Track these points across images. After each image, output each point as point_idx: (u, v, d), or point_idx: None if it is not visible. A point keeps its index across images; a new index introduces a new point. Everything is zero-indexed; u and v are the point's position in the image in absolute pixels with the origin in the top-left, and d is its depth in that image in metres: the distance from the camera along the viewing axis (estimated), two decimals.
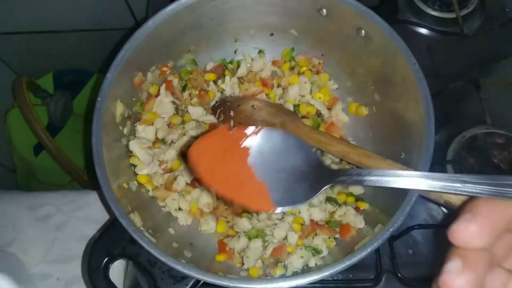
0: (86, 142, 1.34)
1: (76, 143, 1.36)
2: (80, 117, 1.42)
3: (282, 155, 0.48)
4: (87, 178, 1.29)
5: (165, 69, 0.75)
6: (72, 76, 1.46)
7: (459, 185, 0.34)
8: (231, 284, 0.55)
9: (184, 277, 0.58)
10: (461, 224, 0.27)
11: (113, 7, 1.28)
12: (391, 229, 0.56)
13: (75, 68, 1.46)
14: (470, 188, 0.33)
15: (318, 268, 0.62)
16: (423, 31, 0.94)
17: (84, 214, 0.87)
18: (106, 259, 0.58)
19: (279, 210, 0.46)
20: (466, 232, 0.26)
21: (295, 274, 0.65)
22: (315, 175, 0.47)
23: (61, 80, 1.42)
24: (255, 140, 0.47)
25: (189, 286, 0.59)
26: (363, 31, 0.68)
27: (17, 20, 1.30)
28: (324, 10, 0.70)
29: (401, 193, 0.60)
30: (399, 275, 0.71)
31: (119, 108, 0.67)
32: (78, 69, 1.46)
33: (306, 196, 0.47)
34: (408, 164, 0.60)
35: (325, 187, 0.46)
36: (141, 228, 0.59)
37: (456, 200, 0.52)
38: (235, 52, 0.81)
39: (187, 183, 0.73)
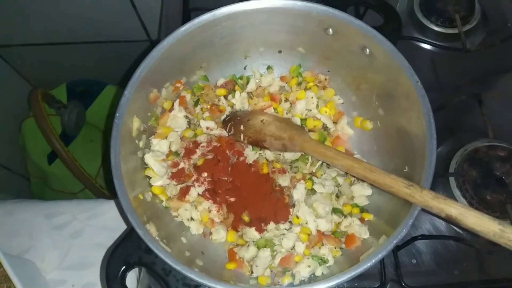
0: (104, 151, 1.37)
1: (89, 151, 1.39)
2: (93, 127, 1.46)
3: None
4: (100, 186, 1.33)
5: (178, 85, 0.79)
6: (85, 86, 1.50)
7: None
8: None
9: (197, 286, 0.61)
10: None
11: (125, 19, 1.32)
12: (394, 241, 0.58)
13: (88, 78, 1.50)
14: None
15: (325, 278, 0.65)
16: (427, 46, 0.97)
17: (99, 223, 0.90)
18: (124, 267, 0.61)
19: None
20: None
21: (302, 283, 0.67)
22: None
23: (74, 91, 1.46)
24: None
25: None
26: (367, 50, 0.71)
27: (32, 32, 1.34)
28: (331, 30, 0.73)
29: (405, 205, 0.62)
30: (403, 284, 0.74)
31: (136, 123, 0.70)
32: (91, 79, 1.50)
33: None
34: (411, 178, 0.63)
35: None
36: (157, 238, 0.62)
37: (457, 215, 0.54)
38: (244, 68, 0.85)
39: (198, 194, 0.76)
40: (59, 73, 1.49)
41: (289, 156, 0.79)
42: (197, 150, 0.77)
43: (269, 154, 0.80)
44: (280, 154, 0.80)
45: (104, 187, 1.34)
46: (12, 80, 1.47)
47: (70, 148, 1.34)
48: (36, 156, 1.38)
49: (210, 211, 0.76)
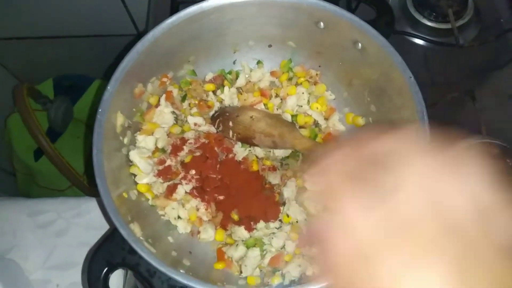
0: (87, 147, 1.35)
1: (76, 148, 1.36)
2: (80, 123, 1.43)
3: None
4: (87, 184, 1.30)
5: (165, 79, 0.76)
6: (72, 81, 1.47)
7: None
8: None
9: (183, 287, 0.59)
10: None
11: (113, 13, 1.29)
12: None
13: (75, 73, 1.47)
14: None
15: (316, 277, 0.63)
16: (420, 41, 0.95)
17: (84, 221, 0.88)
18: (106, 269, 0.59)
19: None
20: None
21: (292, 283, 0.66)
22: None
23: (61, 85, 1.43)
24: None
25: None
26: (359, 44, 0.69)
27: (18, 26, 1.31)
28: (322, 23, 0.71)
29: None
30: None
31: (120, 119, 0.68)
32: (78, 74, 1.47)
33: None
34: None
35: None
36: (141, 238, 0.60)
37: None
38: (234, 62, 0.82)
39: (186, 192, 0.74)
40: (46, 67, 1.46)
41: (279, 153, 0.78)
42: (185, 147, 0.75)
43: (259, 151, 0.78)
44: (270, 151, 0.78)
45: (92, 185, 1.31)
46: None
47: (56, 144, 1.31)
48: (22, 152, 1.35)
49: (198, 210, 0.74)
